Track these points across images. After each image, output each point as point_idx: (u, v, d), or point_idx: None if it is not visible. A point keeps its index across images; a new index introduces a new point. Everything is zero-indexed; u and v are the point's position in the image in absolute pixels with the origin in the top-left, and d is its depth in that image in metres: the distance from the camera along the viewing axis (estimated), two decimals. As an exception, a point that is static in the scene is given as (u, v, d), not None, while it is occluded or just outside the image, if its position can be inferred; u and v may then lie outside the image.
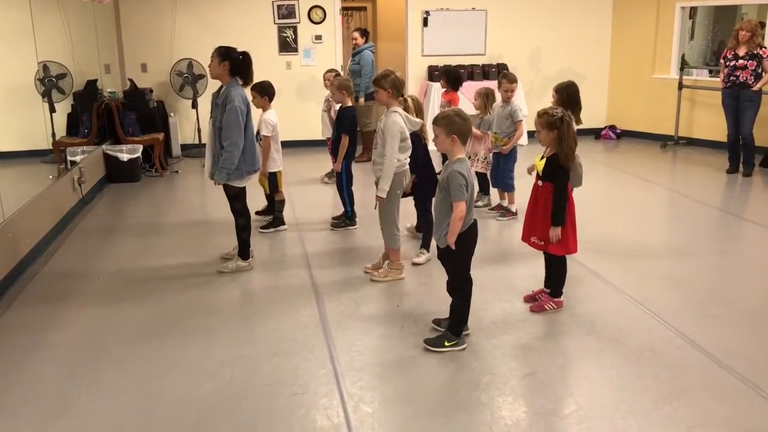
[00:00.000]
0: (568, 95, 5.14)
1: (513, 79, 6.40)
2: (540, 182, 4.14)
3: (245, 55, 4.82)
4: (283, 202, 6.22)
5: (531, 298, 4.41)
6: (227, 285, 4.87)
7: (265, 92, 6.02)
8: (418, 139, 5.14)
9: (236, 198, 5.01)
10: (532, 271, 4.81)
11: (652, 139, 10.38)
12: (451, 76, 7.51)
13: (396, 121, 4.66)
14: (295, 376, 3.50)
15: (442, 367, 3.59)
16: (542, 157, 4.14)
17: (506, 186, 6.40)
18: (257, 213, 6.40)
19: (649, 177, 8.18)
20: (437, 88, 9.83)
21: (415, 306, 4.38)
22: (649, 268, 5.10)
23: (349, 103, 6.27)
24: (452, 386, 3.40)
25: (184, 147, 9.79)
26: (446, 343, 3.77)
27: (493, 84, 9.77)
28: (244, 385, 3.42)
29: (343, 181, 6.10)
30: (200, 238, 5.92)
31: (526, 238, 4.29)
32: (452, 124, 3.60)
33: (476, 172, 6.71)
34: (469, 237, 3.71)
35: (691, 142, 10.00)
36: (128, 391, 3.39)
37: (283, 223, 6.19)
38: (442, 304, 4.06)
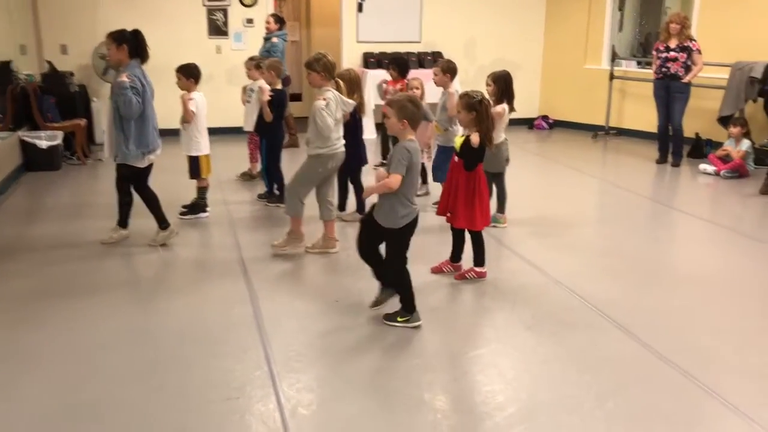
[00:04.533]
0: (506, 84, 5.33)
1: (436, 64, 6.35)
2: (456, 158, 4.43)
3: (138, 33, 4.87)
4: (205, 188, 6.06)
5: (438, 270, 4.65)
6: (155, 277, 4.66)
7: (191, 74, 5.80)
8: (354, 112, 5.35)
9: (130, 179, 5.08)
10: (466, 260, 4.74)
11: (584, 129, 10.51)
12: (400, 64, 7.48)
13: (328, 97, 4.77)
14: (229, 378, 3.31)
15: (382, 366, 3.47)
16: (462, 136, 4.45)
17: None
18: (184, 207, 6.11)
19: (580, 167, 8.26)
20: (372, 75, 9.70)
21: (355, 301, 4.23)
22: (583, 257, 5.11)
23: (279, 86, 6.32)
24: (392, 386, 3.27)
25: (108, 133, 9.34)
26: (399, 319, 3.84)
27: (428, 73, 9.72)
28: (174, 388, 3.22)
29: (270, 161, 6.36)
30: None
31: (442, 211, 4.53)
32: (404, 109, 3.68)
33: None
34: (408, 228, 3.73)
35: (622, 132, 10.18)
36: (48, 399, 3.13)
37: (205, 210, 6.05)
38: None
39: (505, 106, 5.33)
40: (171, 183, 6.22)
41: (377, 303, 3.95)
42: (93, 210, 6.26)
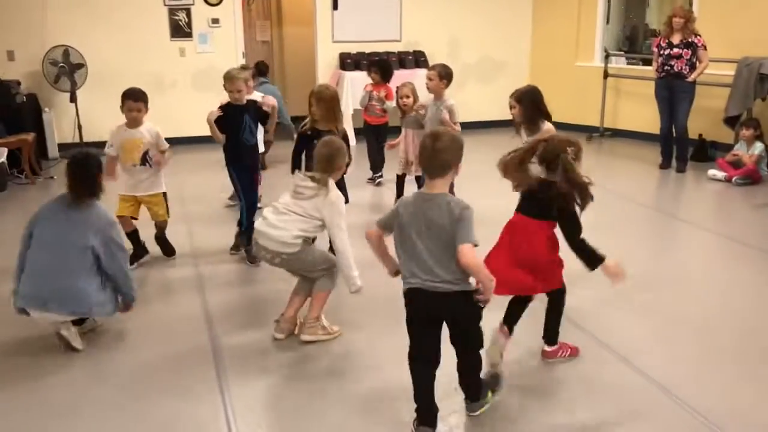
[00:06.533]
0: (533, 103, 4.39)
1: (432, 68, 5.70)
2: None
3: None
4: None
5: None
6: (96, 361, 3.64)
7: (146, 99, 4.75)
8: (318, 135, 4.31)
9: None
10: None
11: (577, 131, 9.82)
12: (383, 67, 6.87)
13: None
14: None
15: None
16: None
17: None
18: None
19: (580, 174, 7.62)
20: (351, 79, 9.00)
21: (353, 386, 3.52)
22: (605, 296, 4.42)
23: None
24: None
25: (63, 147, 8.50)
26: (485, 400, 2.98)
27: (409, 74, 9.05)
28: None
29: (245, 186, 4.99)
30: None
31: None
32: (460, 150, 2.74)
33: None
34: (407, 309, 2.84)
35: (617, 134, 9.57)
36: None
37: (147, 251, 4.99)
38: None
39: (550, 126, 4.42)
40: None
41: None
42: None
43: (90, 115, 8.45)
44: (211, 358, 3.52)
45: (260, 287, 4.53)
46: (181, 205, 5.35)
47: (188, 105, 8.84)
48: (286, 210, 3.57)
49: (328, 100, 4.53)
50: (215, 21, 9.10)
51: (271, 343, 3.68)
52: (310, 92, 4.63)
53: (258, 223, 3.62)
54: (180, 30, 9.02)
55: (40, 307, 3.46)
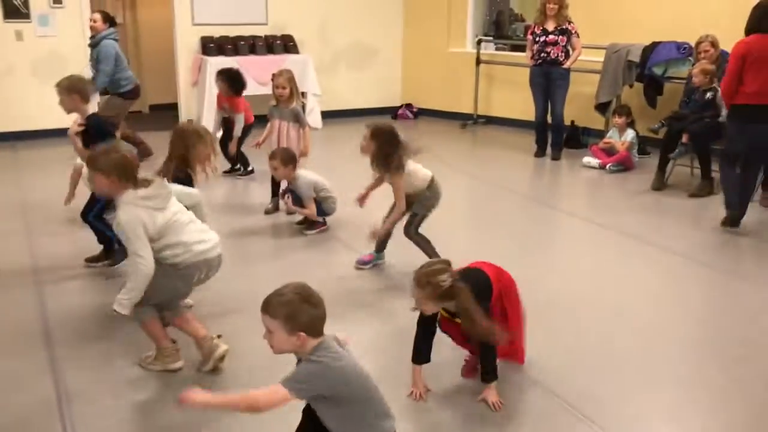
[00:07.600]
0: (387, 144, 4.09)
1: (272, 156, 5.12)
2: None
3: None
4: None
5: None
6: None
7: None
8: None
9: None
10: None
11: (451, 118, 9.73)
12: (232, 78, 6.23)
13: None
14: None
15: None
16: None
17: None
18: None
19: (456, 164, 7.39)
20: (213, 64, 8.34)
21: None
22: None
23: (90, 110, 4.50)
24: None
25: None
26: None
27: (278, 60, 8.57)
28: None
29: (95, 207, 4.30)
30: None
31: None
32: (296, 316, 2.11)
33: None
34: None
35: (490, 121, 9.51)
36: None
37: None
38: None
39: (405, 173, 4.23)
40: None
41: None
42: None
43: None
44: (55, 401, 2.94)
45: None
46: (21, 214, 4.51)
47: (28, 95, 7.89)
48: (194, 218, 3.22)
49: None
50: (57, 1, 8.14)
51: (130, 376, 3.15)
52: (178, 132, 4.03)
53: (213, 246, 3.18)
54: (16, 11, 7.97)
55: None
